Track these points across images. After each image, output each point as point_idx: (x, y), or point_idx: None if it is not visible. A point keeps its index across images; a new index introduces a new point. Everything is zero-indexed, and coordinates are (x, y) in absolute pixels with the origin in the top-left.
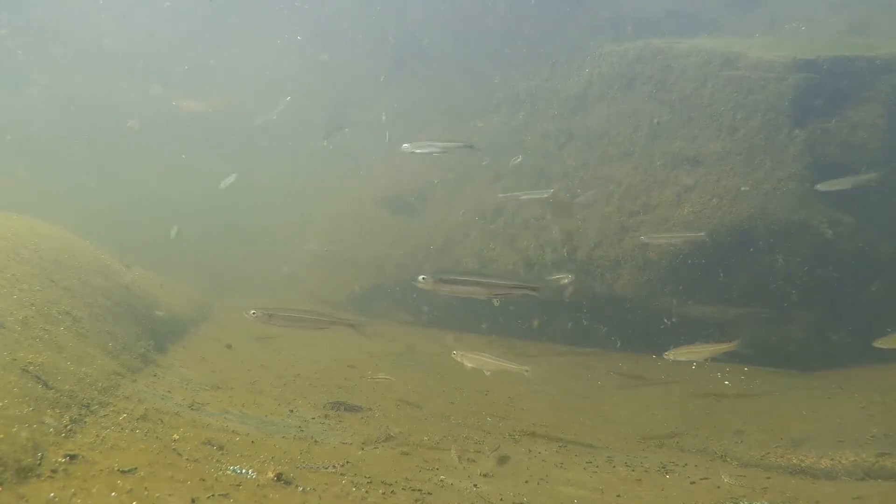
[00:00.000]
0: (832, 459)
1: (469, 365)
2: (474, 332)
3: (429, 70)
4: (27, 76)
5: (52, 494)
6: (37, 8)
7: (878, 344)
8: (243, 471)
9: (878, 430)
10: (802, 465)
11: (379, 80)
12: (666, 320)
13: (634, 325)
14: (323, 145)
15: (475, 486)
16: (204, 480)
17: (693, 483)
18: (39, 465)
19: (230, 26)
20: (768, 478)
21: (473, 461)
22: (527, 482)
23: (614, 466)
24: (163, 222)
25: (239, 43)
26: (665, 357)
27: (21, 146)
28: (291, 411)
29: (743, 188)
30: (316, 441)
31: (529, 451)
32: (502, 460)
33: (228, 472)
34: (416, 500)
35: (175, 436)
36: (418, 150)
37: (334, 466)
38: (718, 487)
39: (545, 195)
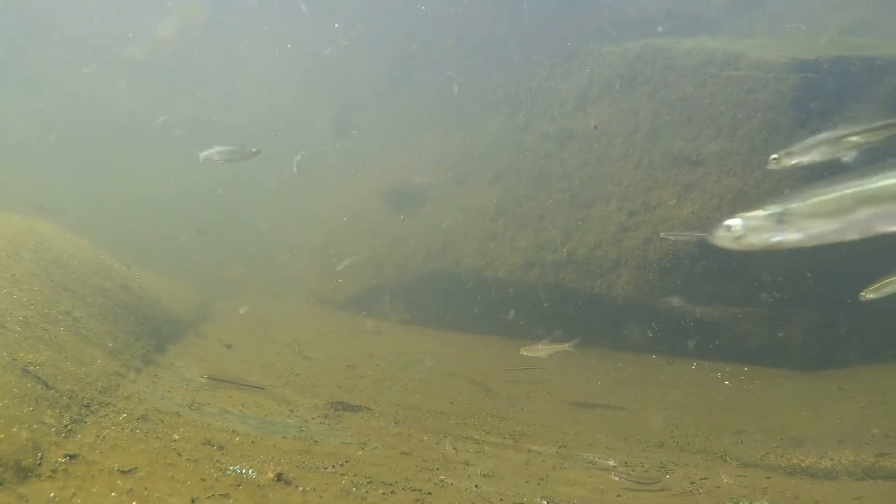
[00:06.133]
0: (832, 459)
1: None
2: (472, 332)
3: (429, 71)
4: (33, 77)
5: (52, 494)
6: (39, 7)
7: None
8: (243, 471)
9: (878, 430)
10: (802, 465)
11: (381, 82)
12: (664, 320)
13: (634, 325)
14: (334, 147)
15: (476, 486)
16: (204, 480)
17: (693, 483)
18: (39, 465)
19: (231, 29)
20: (768, 478)
21: (468, 464)
22: (527, 482)
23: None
24: (163, 223)
25: (241, 45)
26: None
27: (22, 147)
28: (291, 411)
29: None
30: (316, 441)
31: (529, 451)
32: None
33: (228, 472)
34: (416, 500)
35: (175, 436)
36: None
37: (334, 466)
38: (718, 487)
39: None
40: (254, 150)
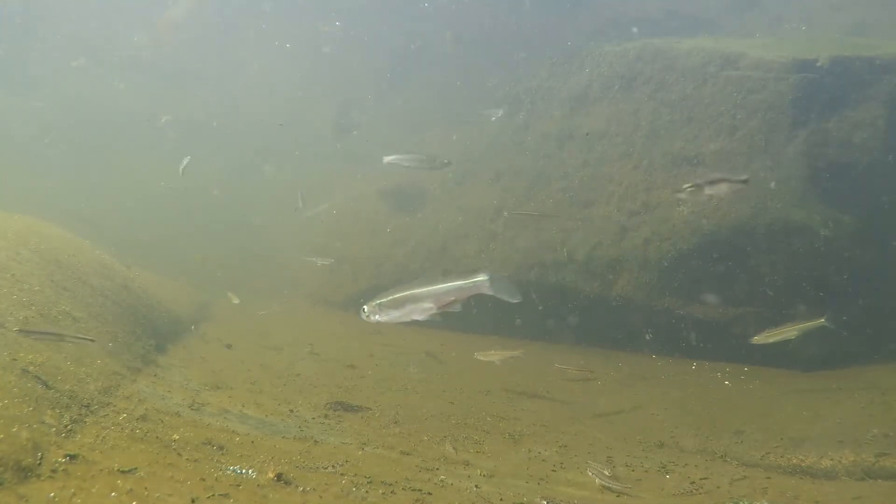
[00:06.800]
0: (832, 459)
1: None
2: (472, 332)
3: (429, 70)
4: (33, 77)
5: (52, 494)
6: (39, 7)
7: (755, 340)
8: (243, 471)
9: (878, 430)
10: (802, 465)
11: (381, 82)
12: (664, 321)
13: (634, 325)
14: (336, 147)
15: (476, 486)
16: (204, 480)
17: (693, 483)
18: (39, 465)
19: (231, 29)
20: (768, 478)
21: (468, 464)
22: (527, 482)
23: (614, 466)
24: (163, 222)
25: (242, 45)
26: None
27: (22, 147)
28: (291, 411)
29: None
30: (316, 441)
31: (529, 451)
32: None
33: (228, 472)
34: (416, 500)
35: (175, 436)
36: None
37: (334, 466)
38: (718, 487)
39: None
40: (445, 161)
